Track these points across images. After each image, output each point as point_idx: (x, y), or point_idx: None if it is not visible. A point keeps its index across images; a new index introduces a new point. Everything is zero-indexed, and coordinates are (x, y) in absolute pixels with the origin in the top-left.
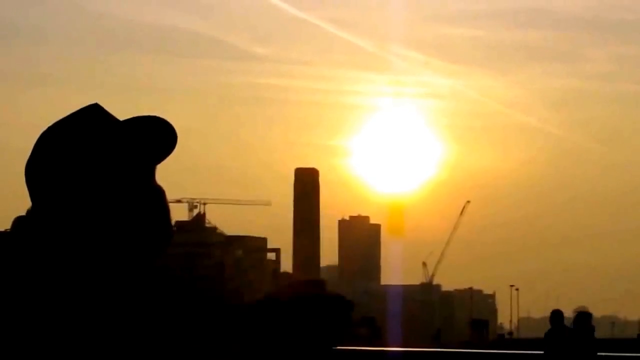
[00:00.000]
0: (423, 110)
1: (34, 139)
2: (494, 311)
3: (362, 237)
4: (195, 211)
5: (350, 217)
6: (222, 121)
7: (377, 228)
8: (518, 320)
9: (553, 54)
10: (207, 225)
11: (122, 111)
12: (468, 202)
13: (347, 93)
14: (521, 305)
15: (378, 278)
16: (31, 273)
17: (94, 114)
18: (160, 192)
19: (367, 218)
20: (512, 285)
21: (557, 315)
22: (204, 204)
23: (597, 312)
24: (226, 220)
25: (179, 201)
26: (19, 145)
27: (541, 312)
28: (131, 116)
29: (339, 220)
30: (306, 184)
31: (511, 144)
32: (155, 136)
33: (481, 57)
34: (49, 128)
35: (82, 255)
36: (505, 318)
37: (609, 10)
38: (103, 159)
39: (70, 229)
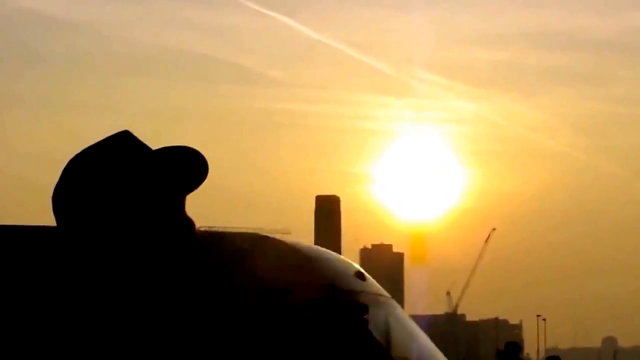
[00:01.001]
0: (446, 136)
1: (45, 164)
2: (520, 341)
3: (384, 265)
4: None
5: (373, 245)
6: (239, 147)
7: (400, 256)
8: (545, 351)
9: (579, 77)
10: None
11: (139, 136)
12: (494, 229)
13: (367, 118)
14: (548, 335)
15: (402, 307)
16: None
17: (125, 141)
18: (190, 224)
19: (390, 246)
20: (538, 315)
21: (512, 347)
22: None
23: (627, 343)
24: None
25: None
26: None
27: (569, 342)
28: (148, 143)
29: (361, 249)
30: (327, 212)
31: (536, 170)
32: (187, 166)
33: (505, 80)
34: (79, 154)
35: (111, 284)
36: (532, 348)
37: (638, 32)
38: (135, 188)
39: (99, 256)
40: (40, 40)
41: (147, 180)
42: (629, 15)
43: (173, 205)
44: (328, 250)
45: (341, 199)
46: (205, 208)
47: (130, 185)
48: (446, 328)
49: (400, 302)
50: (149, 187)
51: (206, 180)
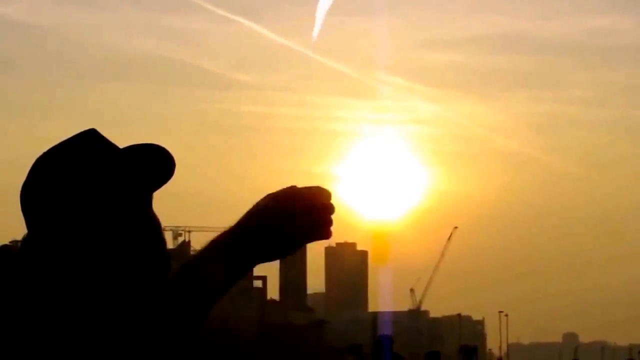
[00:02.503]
0: (408, 136)
1: (16, 170)
2: (483, 337)
3: (349, 264)
4: (180, 239)
5: (337, 243)
6: (204, 149)
7: (364, 255)
8: (507, 346)
9: (536, 80)
10: (192, 253)
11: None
12: (455, 228)
13: (331, 120)
14: (510, 331)
15: (366, 305)
16: (29, 299)
17: (91, 139)
18: (156, 222)
19: (354, 245)
20: (501, 311)
21: (433, 356)
22: (189, 231)
23: (586, 338)
24: None
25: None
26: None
27: (531, 338)
28: (117, 145)
29: (326, 247)
30: None
31: (496, 169)
32: (154, 163)
33: (463, 82)
34: (45, 153)
35: (78, 284)
36: (495, 344)
37: (593, 36)
38: (101, 186)
39: (66, 256)
40: (9, 46)
41: (113, 177)
42: (582, 18)
43: (140, 202)
44: None
45: None
46: (171, 207)
47: (97, 182)
48: (410, 324)
49: (365, 298)
50: (116, 185)
51: (173, 181)
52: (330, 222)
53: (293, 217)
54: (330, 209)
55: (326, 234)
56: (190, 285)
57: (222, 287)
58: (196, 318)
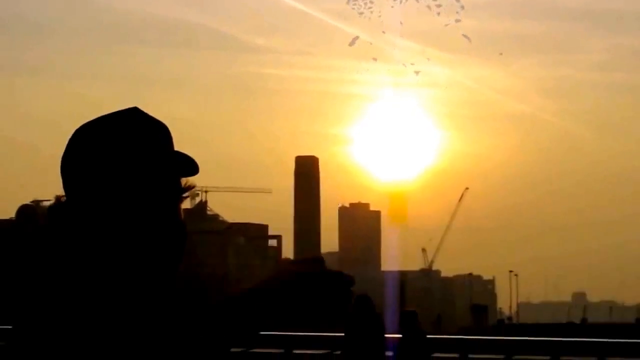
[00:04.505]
0: (422, 99)
1: (32, 129)
2: (493, 296)
3: (362, 224)
4: (197, 199)
5: (351, 204)
6: (222, 111)
7: (377, 215)
8: (517, 306)
9: (548, 44)
10: (208, 213)
11: (121, 101)
12: (467, 189)
13: (347, 83)
14: (520, 290)
15: (378, 264)
16: (63, 270)
17: (134, 117)
18: (182, 221)
19: (367, 205)
20: (511, 271)
21: (408, 315)
22: (206, 191)
23: (595, 297)
24: (228, 208)
25: None
26: (16, 134)
27: (540, 297)
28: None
29: (339, 207)
30: (306, 172)
31: (507, 132)
32: (185, 159)
33: (476, 46)
34: (87, 125)
35: (106, 256)
36: (505, 303)
37: (604, 0)
38: (139, 164)
39: (100, 227)
40: (22, 5)
41: (151, 158)
42: None
43: (171, 191)
44: None
45: (320, 160)
46: None
47: (135, 161)
48: (421, 284)
49: (377, 258)
50: (152, 166)
51: (190, 140)
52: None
53: (314, 303)
54: (349, 298)
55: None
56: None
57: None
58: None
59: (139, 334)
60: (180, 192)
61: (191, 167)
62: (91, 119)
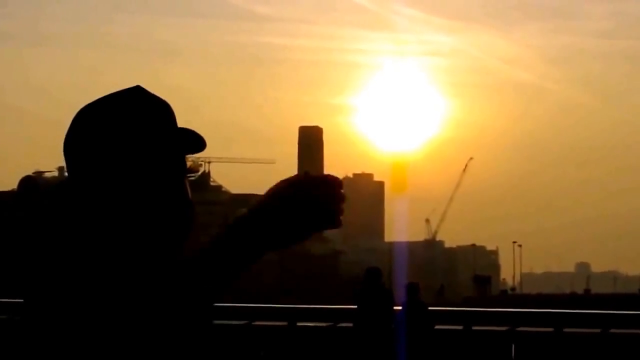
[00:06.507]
0: (425, 68)
1: (37, 98)
2: (496, 267)
3: (365, 194)
4: (201, 170)
5: (354, 174)
6: (225, 80)
7: (380, 185)
8: (521, 276)
9: (552, 12)
10: (212, 183)
11: (125, 71)
12: (471, 159)
13: (350, 51)
14: (523, 261)
15: (382, 235)
16: (68, 245)
17: (138, 94)
18: (189, 197)
19: (370, 175)
20: (514, 242)
21: (373, 273)
22: (209, 162)
23: (598, 268)
24: (231, 179)
25: None
26: (21, 104)
27: (543, 267)
28: (141, 76)
29: (343, 178)
30: (310, 142)
31: (511, 100)
32: (193, 136)
33: (480, 14)
34: (92, 104)
35: (113, 236)
36: (508, 274)
37: None
38: (143, 142)
39: (108, 207)
40: None
41: (156, 136)
42: None
43: (177, 166)
44: None
45: (324, 130)
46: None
47: (140, 138)
48: (425, 254)
49: (381, 229)
50: (157, 142)
51: (193, 110)
52: (341, 212)
53: (308, 206)
54: (341, 198)
55: (337, 224)
56: (204, 269)
57: (234, 273)
58: (208, 300)
59: (147, 310)
60: (186, 170)
61: (198, 143)
62: (91, 87)
